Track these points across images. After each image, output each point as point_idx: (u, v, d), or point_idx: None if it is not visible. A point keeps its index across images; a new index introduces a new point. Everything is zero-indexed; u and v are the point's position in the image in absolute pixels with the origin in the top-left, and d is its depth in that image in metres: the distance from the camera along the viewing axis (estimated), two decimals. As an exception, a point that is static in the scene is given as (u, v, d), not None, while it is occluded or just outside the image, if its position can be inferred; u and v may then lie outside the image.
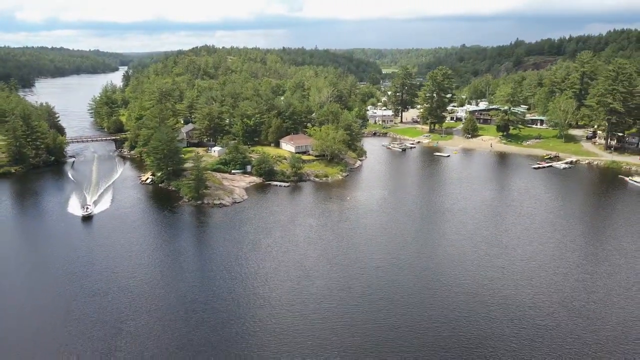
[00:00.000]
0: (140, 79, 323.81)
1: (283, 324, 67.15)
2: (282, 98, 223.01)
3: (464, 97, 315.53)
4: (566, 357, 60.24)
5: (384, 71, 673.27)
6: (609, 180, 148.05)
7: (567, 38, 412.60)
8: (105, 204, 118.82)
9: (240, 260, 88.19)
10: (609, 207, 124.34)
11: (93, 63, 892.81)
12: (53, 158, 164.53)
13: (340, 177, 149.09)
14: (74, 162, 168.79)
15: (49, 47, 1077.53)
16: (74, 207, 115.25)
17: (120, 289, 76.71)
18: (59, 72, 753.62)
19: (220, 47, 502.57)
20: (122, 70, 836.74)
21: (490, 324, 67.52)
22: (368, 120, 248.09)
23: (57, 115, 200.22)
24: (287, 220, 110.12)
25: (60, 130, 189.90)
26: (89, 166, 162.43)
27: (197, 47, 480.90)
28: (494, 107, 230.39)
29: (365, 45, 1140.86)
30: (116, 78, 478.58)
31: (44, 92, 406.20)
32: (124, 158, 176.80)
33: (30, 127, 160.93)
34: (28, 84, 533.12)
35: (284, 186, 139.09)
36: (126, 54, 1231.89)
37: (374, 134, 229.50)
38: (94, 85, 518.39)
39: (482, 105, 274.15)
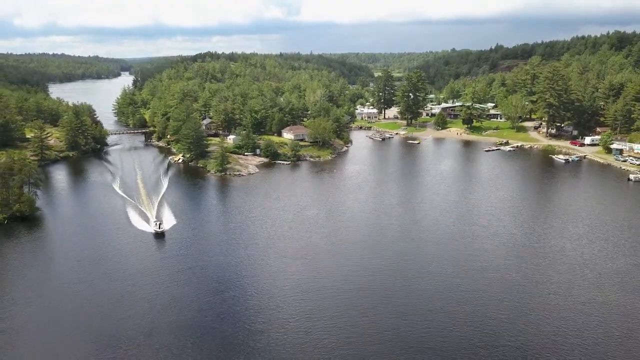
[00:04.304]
0: (154, 83, 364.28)
1: (288, 238, 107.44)
2: (281, 98, 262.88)
3: (442, 96, 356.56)
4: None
5: (376, 74, 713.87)
6: (540, 158, 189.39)
7: (538, 43, 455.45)
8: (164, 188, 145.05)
9: (257, 204, 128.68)
10: (533, 173, 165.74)
11: (98, 69, 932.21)
12: (99, 146, 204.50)
13: (329, 158, 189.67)
14: (118, 148, 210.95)
15: (50, 53, 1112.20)
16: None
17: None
18: (66, 77, 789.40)
19: (221, 53, 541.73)
20: (124, 75, 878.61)
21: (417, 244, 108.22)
22: (356, 117, 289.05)
23: (95, 113, 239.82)
24: (288, 183, 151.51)
25: (97, 124, 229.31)
26: (129, 152, 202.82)
27: (201, 53, 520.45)
28: (460, 104, 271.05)
29: (360, 49, 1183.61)
30: (120, 83, 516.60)
31: (59, 97, 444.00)
32: (153, 146, 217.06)
33: (81, 121, 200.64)
34: (41, 89, 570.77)
35: (286, 164, 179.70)
36: (126, 60, 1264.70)
37: (360, 128, 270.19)
38: (102, 90, 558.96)
39: (458, 103, 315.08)
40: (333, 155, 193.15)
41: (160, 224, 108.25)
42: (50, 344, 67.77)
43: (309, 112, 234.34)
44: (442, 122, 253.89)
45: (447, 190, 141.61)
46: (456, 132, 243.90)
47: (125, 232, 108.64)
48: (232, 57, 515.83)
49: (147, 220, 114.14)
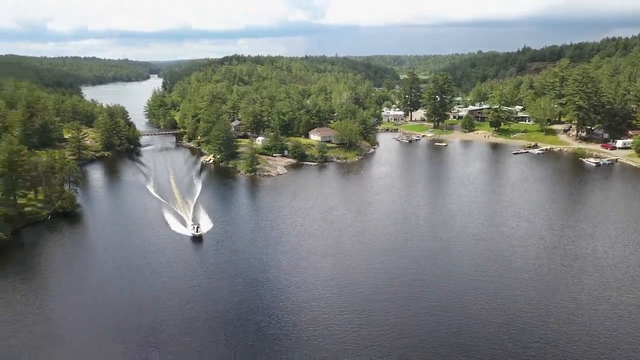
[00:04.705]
0: (183, 85, 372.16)
1: (318, 236, 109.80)
2: (308, 100, 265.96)
3: (469, 99, 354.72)
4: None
5: (402, 77, 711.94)
6: (570, 161, 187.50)
7: (567, 45, 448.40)
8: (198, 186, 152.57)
9: (286, 204, 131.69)
10: (564, 176, 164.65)
11: (127, 72, 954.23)
12: (132, 147, 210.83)
13: (356, 159, 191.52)
14: (152, 149, 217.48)
15: (82, 56, 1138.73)
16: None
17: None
18: (98, 80, 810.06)
19: (247, 56, 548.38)
20: (153, 77, 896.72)
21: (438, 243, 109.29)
22: (382, 119, 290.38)
23: (127, 114, 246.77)
24: (316, 184, 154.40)
25: (131, 125, 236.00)
26: (161, 153, 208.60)
27: (228, 56, 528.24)
28: (487, 106, 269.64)
29: (385, 52, 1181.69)
30: (149, 85, 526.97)
31: (93, 99, 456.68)
32: (184, 147, 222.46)
33: (115, 122, 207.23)
34: (75, 91, 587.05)
35: (314, 165, 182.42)
36: (154, 63, 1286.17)
37: (387, 130, 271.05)
38: (132, 92, 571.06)
39: (485, 106, 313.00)
40: (360, 157, 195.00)
41: (198, 227, 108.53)
42: (90, 335, 71.19)
43: (335, 114, 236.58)
44: (469, 124, 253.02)
45: (475, 193, 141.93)
46: (484, 134, 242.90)
47: (163, 234, 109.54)
48: (258, 60, 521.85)
49: (183, 222, 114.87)
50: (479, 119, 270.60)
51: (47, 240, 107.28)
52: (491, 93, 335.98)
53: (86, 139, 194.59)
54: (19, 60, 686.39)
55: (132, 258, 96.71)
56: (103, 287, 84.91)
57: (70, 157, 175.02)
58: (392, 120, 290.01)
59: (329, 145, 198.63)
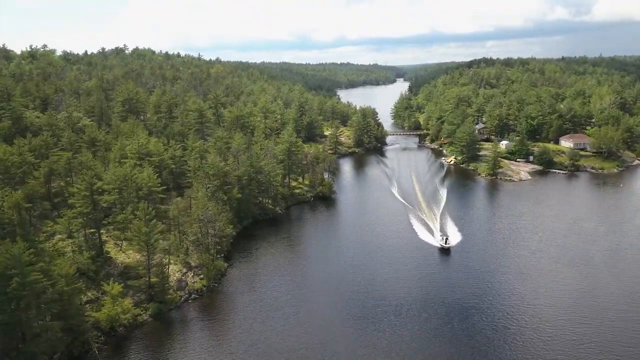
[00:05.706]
0: (429, 88, 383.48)
1: (562, 246, 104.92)
2: (562, 105, 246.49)
3: None
4: None
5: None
6: None
7: None
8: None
9: (527, 210, 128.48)
10: None
11: (376, 76, 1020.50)
12: (379, 145, 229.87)
13: (615, 171, 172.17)
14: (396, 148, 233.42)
15: (338, 62, 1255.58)
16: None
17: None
18: (350, 84, 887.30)
19: (496, 58, 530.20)
20: (399, 81, 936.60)
21: None
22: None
23: (377, 115, 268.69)
24: (563, 193, 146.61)
25: (379, 125, 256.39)
26: (404, 152, 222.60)
27: (476, 59, 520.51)
28: None
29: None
30: (395, 88, 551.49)
31: (348, 100, 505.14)
32: (425, 148, 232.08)
33: (366, 122, 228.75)
34: (333, 94, 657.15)
35: (562, 173, 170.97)
36: (399, 67, 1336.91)
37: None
38: (379, 95, 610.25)
39: None
40: (620, 169, 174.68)
41: (447, 239, 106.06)
42: (333, 305, 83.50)
43: (594, 120, 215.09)
44: None
45: None
46: None
47: (410, 240, 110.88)
48: (507, 63, 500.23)
49: (431, 231, 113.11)
50: None
51: (309, 218, 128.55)
52: None
53: (341, 136, 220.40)
54: (289, 67, 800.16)
55: (380, 253, 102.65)
56: (352, 269, 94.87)
57: (329, 151, 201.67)
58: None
59: (582, 153, 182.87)
